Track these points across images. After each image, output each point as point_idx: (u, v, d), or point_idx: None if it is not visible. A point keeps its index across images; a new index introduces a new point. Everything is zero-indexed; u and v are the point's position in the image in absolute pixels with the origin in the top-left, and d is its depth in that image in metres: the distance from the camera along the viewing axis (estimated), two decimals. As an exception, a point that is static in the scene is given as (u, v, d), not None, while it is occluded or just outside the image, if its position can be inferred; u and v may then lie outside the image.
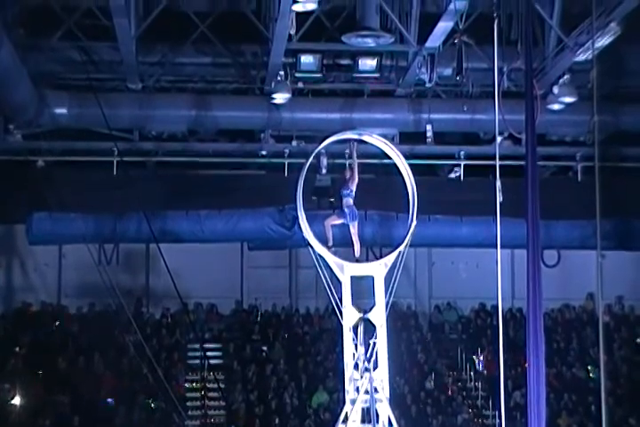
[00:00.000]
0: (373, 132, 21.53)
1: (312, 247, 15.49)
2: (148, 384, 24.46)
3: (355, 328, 15.32)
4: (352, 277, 15.40)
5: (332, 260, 15.38)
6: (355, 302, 15.38)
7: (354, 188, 15.91)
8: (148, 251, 27.85)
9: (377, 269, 15.38)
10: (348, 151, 21.95)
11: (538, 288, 13.80)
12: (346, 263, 15.36)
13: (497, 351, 14.61)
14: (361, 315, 15.30)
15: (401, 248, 15.48)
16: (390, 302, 15.46)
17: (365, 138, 16.46)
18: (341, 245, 16.13)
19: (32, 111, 21.18)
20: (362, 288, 15.58)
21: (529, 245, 14.00)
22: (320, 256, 15.53)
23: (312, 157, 15.90)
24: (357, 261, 15.87)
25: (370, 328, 15.33)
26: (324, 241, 15.80)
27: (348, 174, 16.21)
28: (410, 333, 28.06)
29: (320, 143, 16.71)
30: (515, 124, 15.74)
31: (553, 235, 21.71)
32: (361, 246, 16.10)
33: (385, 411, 15.15)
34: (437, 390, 26.22)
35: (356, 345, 15.23)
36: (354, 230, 15.93)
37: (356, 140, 16.66)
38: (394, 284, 15.32)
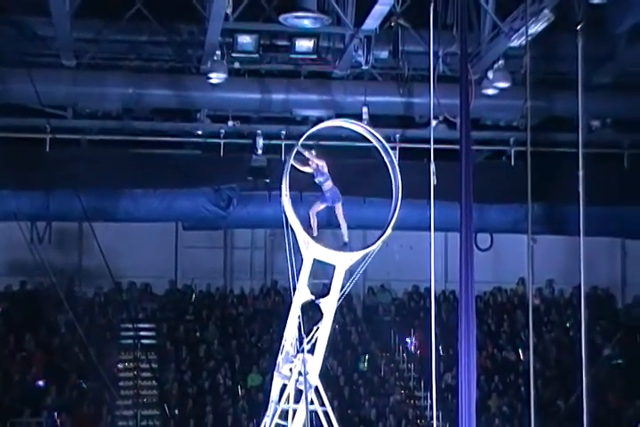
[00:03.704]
0: (311, 114, 21.71)
1: (286, 218, 15.20)
2: (80, 364, 24.32)
3: (302, 308, 15.25)
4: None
5: (302, 236, 15.16)
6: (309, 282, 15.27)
7: (325, 170, 15.69)
8: (81, 229, 27.64)
9: (341, 261, 15.22)
10: (284, 132, 22.09)
11: (470, 271, 13.91)
12: (312, 243, 15.07)
13: (429, 333, 14.68)
14: (312, 297, 15.24)
15: (372, 248, 15.37)
16: (343, 296, 15.35)
17: (354, 127, 16.25)
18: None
19: (-38, 87, 20.83)
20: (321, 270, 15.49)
21: (462, 229, 14.10)
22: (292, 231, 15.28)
23: (302, 140, 15.60)
24: (345, 244, 15.63)
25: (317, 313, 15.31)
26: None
27: (313, 165, 15.82)
28: (343, 314, 28.18)
29: (311, 128, 16.27)
30: (449, 108, 15.85)
31: (486, 218, 21.87)
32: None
33: (312, 396, 15.16)
34: (370, 372, 26.40)
35: (300, 324, 15.19)
36: (339, 211, 15.69)
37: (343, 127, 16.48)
38: (353, 280, 15.25)
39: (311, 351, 15.07)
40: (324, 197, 15.57)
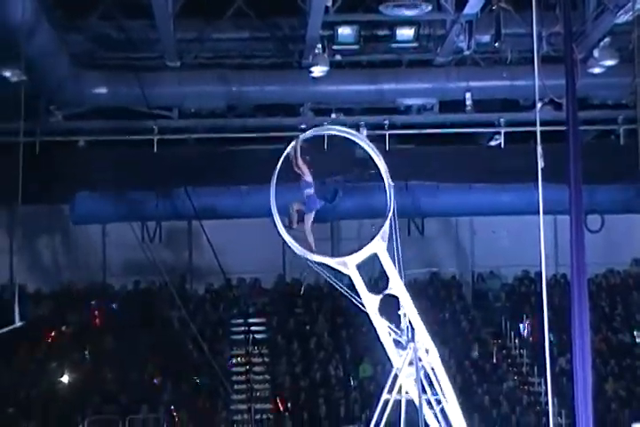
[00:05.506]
0: (414, 102, 21.69)
1: (307, 259, 15.37)
2: (194, 360, 24.69)
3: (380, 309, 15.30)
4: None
5: (333, 262, 15.30)
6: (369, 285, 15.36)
7: (310, 179, 15.75)
8: (190, 227, 28.05)
9: (377, 246, 15.27)
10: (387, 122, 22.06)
11: (581, 254, 13.73)
12: (346, 258, 15.21)
13: (541, 318, 14.54)
14: (380, 296, 15.29)
15: (390, 215, 15.33)
16: (402, 269, 15.34)
17: (340, 133, 16.31)
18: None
19: (72, 91, 21.38)
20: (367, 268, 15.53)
21: (571, 211, 13.91)
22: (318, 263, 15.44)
23: (289, 149, 15.75)
24: (313, 251, 15.69)
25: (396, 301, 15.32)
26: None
27: (297, 167, 15.91)
28: (453, 302, 28.10)
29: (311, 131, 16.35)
30: (555, 89, 15.63)
31: (596, 200, 21.59)
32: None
33: (440, 375, 15.14)
34: (482, 359, 26.25)
35: (389, 326, 15.23)
36: (308, 220, 15.76)
37: (331, 134, 16.55)
38: (398, 251, 15.21)
39: (412, 339, 15.10)
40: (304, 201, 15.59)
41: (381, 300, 15.12)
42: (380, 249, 15.23)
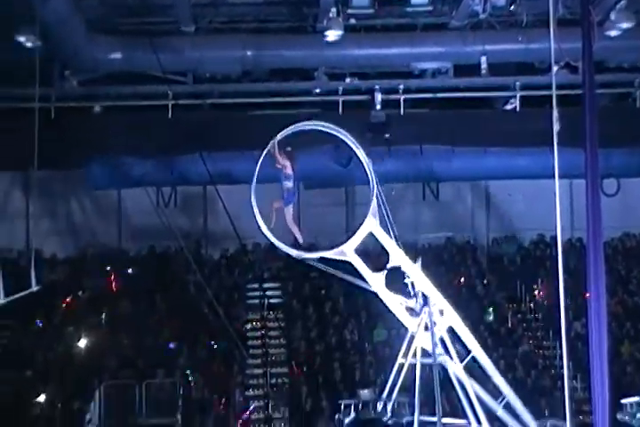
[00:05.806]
0: (429, 66, 21.62)
1: (308, 259, 15.48)
2: (209, 325, 24.80)
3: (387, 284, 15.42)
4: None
5: (330, 254, 15.51)
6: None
7: (291, 171, 15.73)
8: (205, 193, 28.07)
9: (370, 224, 15.39)
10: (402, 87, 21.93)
11: (597, 218, 13.73)
12: (344, 247, 15.48)
13: (556, 282, 14.56)
14: (384, 272, 15.37)
15: (375, 192, 15.40)
16: (397, 238, 15.43)
17: (321, 128, 16.33)
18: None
19: (87, 57, 21.35)
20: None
21: (587, 175, 13.88)
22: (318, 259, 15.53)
23: (270, 146, 15.78)
24: (300, 245, 15.73)
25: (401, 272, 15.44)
26: None
27: (279, 164, 15.91)
28: (468, 266, 28.10)
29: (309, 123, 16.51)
30: (571, 52, 15.55)
31: (612, 163, 21.53)
32: None
33: (462, 331, 15.24)
34: (497, 323, 26.30)
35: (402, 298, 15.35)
36: (288, 214, 15.79)
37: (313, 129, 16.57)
38: (391, 224, 15.25)
39: (425, 302, 15.20)
40: (283, 195, 15.69)
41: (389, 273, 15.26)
42: (374, 226, 15.32)
